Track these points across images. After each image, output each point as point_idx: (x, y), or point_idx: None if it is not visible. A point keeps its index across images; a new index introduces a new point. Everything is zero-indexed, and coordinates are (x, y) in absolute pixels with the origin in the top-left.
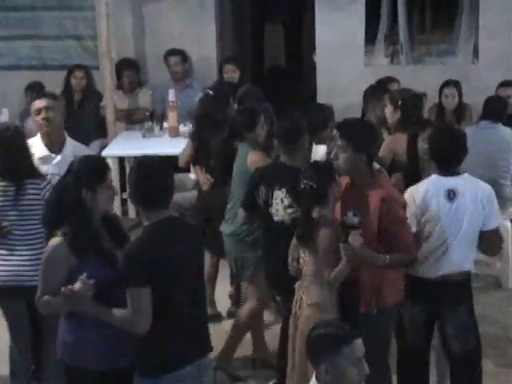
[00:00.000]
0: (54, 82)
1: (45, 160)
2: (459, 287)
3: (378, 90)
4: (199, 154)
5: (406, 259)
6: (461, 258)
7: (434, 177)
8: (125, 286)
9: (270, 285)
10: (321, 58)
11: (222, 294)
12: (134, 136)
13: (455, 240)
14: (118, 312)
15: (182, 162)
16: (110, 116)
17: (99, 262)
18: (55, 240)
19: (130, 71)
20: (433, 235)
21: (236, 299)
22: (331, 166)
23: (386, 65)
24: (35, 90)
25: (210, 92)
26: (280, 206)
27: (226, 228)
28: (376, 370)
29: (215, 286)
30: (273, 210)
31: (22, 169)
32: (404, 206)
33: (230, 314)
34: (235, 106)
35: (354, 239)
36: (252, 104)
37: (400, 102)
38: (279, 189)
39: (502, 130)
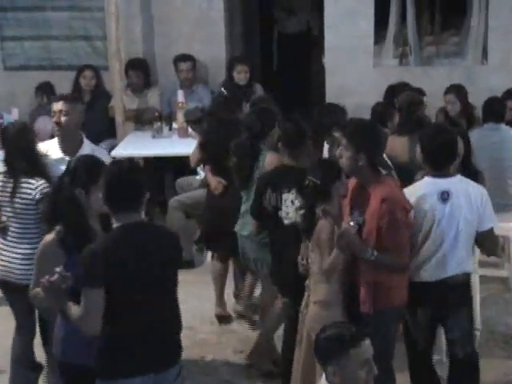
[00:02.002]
0: (63, 82)
1: (59, 162)
2: (461, 289)
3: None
4: (208, 154)
5: (396, 262)
6: (460, 259)
7: (427, 179)
8: (81, 284)
9: (280, 287)
10: (329, 58)
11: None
12: (143, 136)
13: (452, 241)
14: (74, 309)
15: (193, 163)
16: (119, 116)
17: None
18: (49, 236)
19: (139, 71)
20: (429, 238)
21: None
22: (336, 164)
23: (394, 66)
24: (45, 90)
25: (225, 92)
26: (290, 208)
27: (243, 229)
28: (378, 370)
29: (224, 287)
30: (283, 213)
31: (21, 167)
32: (406, 209)
33: (237, 313)
34: (247, 107)
35: (349, 225)
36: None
37: (397, 106)
38: (288, 191)
39: (506, 130)
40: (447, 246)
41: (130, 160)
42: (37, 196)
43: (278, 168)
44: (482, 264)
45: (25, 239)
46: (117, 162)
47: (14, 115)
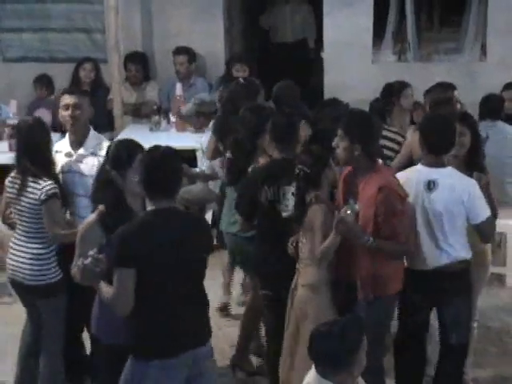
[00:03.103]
0: (61, 74)
1: (68, 156)
2: (459, 277)
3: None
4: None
5: (396, 248)
6: (451, 247)
7: (419, 166)
8: (112, 264)
9: (263, 280)
10: (328, 54)
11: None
12: (141, 130)
13: (440, 231)
14: (106, 290)
15: (208, 155)
16: (117, 109)
17: None
18: (91, 216)
19: (137, 65)
20: (418, 226)
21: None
22: (324, 152)
23: (393, 62)
24: (44, 82)
25: (242, 81)
26: (291, 200)
27: (231, 227)
28: (370, 362)
29: (233, 275)
30: (282, 206)
31: (29, 166)
32: (402, 197)
33: (242, 303)
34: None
35: (348, 213)
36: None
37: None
38: (289, 184)
39: (503, 127)
40: (435, 235)
41: (168, 147)
42: (42, 197)
43: (271, 163)
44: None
45: (32, 238)
46: (155, 147)
47: (12, 107)
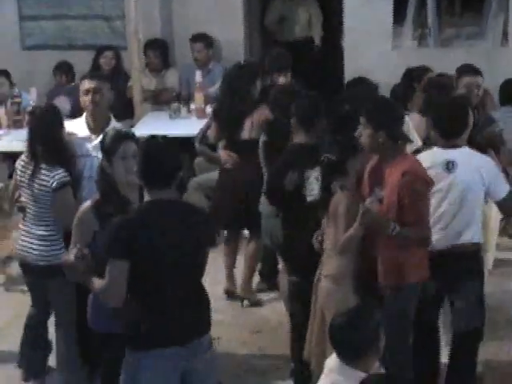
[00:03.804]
0: (81, 62)
1: (86, 140)
2: (468, 259)
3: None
4: (220, 125)
5: (419, 235)
6: (464, 228)
7: (435, 149)
8: (105, 255)
9: (290, 265)
10: (348, 40)
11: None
12: (161, 117)
13: (456, 211)
14: (97, 282)
15: (211, 138)
16: (137, 97)
17: None
18: (86, 203)
19: (157, 52)
20: (433, 206)
21: (265, 275)
22: (352, 140)
23: (413, 47)
24: (64, 70)
25: (243, 61)
26: (315, 184)
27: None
28: (395, 347)
29: (235, 262)
30: (307, 191)
31: (42, 153)
32: (427, 183)
33: (260, 290)
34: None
35: (372, 204)
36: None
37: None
38: (312, 168)
39: None
40: (450, 215)
41: (166, 137)
42: (53, 185)
43: (295, 147)
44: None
45: (42, 221)
46: (152, 137)
47: (32, 95)
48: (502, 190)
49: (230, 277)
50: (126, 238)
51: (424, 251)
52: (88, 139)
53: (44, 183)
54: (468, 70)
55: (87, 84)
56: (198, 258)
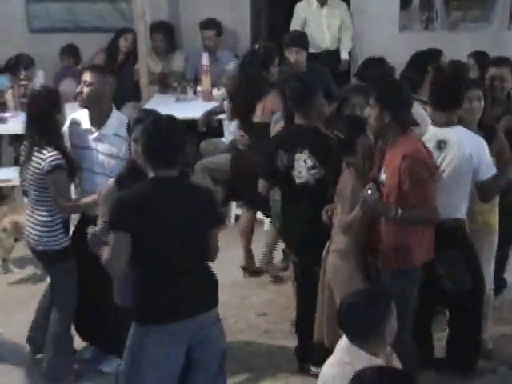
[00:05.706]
0: (87, 44)
1: (88, 132)
2: (450, 233)
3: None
4: (235, 108)
5: (422, 216)
6: (450, 204)
7: (430, 127)
8: (108, 228)
9: (288, 246)
10: (356, 23)
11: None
12: (168, 100)
13: (444, 187)
14: (103, 251)
15: (228, 115)
16: (143, 79)
17: None
18: (111, 180)
19: (162, 34)
20: None
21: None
22: (361, 118)
23: (420, 31)
24: (70, 52)
25: (257, 46)
26: (303, 167)
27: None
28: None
29: (251, 239)
30: (295, 172)
31: (34, 134)
32: (427, 166)
33: (283, 269)
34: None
35: (370, 193)
36: None
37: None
38: (301, 151)
39: None
40: (439, 191)
41: (170, 116)
42: (45, 167)
43: (290, 128)
44: None
45: (42, 206)
46: (156, 117)
47: (39, 77)
48: (487, 172)
49: (248, 252)
50: (124, 211)
51: (430, 232)
52: (89, 131)
53: (37, 166)
54: (494, 61)
55: (83, 76)
56: (202, 234)
